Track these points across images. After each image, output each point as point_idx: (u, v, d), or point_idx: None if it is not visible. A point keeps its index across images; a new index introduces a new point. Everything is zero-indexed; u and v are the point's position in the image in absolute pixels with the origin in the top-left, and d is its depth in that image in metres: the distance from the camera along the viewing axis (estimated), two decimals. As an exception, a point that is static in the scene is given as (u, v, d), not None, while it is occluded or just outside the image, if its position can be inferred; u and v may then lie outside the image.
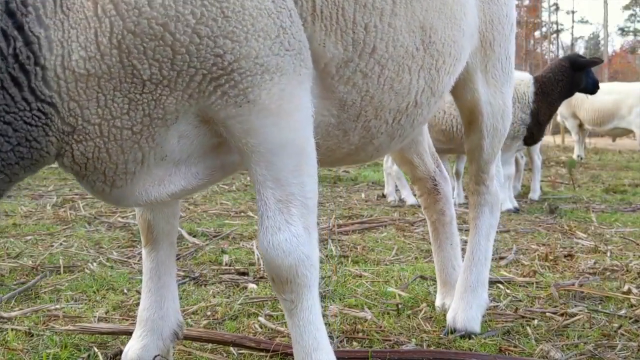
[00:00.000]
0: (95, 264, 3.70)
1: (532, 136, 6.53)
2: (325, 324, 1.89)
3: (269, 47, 1.58)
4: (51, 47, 1.44)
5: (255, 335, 2.53)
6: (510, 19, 2.60)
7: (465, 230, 4.55)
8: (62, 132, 1.52)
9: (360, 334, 2.59)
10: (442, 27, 2.13)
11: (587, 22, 78.17)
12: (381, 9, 1.90)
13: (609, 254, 4.13)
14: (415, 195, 6.50)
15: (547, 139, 8.30)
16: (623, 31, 55.27)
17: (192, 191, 1.85)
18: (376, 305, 2.98)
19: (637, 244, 4.49)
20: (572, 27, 72.01)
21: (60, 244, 4.20)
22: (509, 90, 2.67)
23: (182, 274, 3.49)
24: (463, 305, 2.63)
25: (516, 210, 6.23)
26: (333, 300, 3.03)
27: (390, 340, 2.52)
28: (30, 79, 1.44)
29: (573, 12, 66.85)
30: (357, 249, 4.25)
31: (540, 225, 5.37)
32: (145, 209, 2.12)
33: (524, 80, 6.43)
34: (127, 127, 1.55)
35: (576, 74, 6.43)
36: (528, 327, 2.68)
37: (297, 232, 1.68)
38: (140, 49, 1.47)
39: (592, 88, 6.71)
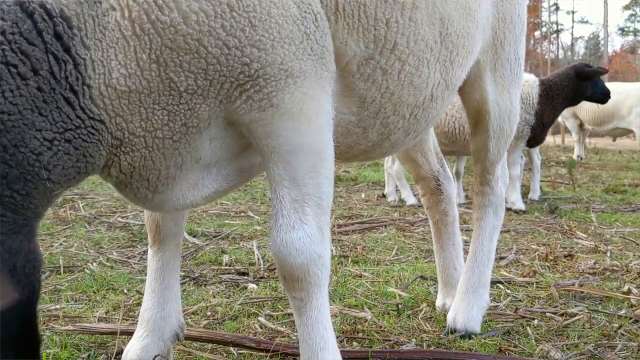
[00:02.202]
0: (95, 264, 3.70)
1: (534, 137, 6.55)
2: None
3: (293, 52, 1.61)
4: (94, 67, 1.50)
5: (255, 335, 2.53)
6: (522, 19, 2.60)
7: (466, 231, 4.55)
8: (111, 145, 1.59)
9: (360, 334, 2.59)
10: (458, 17, 2.12)
11: (587, 22, 77.98)
12: (402, 3, 1.89)
13: (609, 254, 4.13)
14: (415, 195, 6.53)
15: (547, 139, 8.27)
16: (623, 31, 55.28)
17: (223, 193, 1.90)
18: (376, 305, 2.98)
19: (637, 244, 4.49)
20: (572, 27, 72.04)
21: (60, 244, 4.20)
22: (516, 92, 2.65)
23: (182, 274, 3.49)
24: (464, 306, 2.63)
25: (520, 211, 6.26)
26: (333, 300, 3.03)
27: (390, 340, 2.52)
28: (79, 99, 1.50)
29: (573, 12, 66.83)
30: (357, 249, 4.25)
31: (540, 225, 5.36)
32: None
33: (528, 81, 6.45)
34: (168, 137, 1.61)
35: (580, 83, 6.49)
36: (528, 327, 2.69)
37: (310, 232, 1.70)
38: (177, 62, 1.52)
39: (601, 97, 6.73)
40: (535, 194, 7.16)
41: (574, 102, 6.78)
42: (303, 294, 1.75)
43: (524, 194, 7.12)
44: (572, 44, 57.59)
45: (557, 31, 55.07)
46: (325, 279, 1.76)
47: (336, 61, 1.79)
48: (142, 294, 3.06)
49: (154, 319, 2.17)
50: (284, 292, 3.13)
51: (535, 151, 7.32)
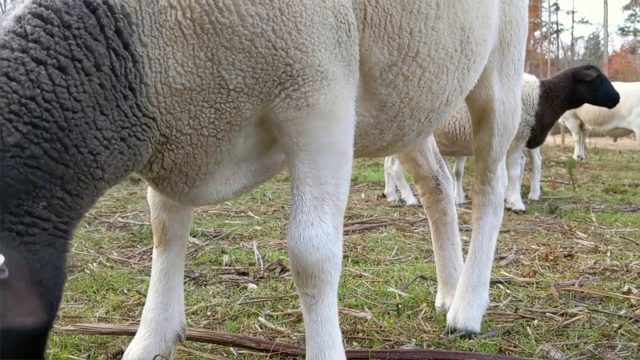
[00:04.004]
0: (95, 264, 3.70)
1: (535, 138, 6.56)
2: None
3: (328, 57, 1.70)
4: (151, 65, 1.52)
5: (255, 335, 2.53)
6: (524, 21, 2.67)
7: (466, 231, 4.55)
8: (159, 142, 1.62)
9: (360, 334, 2.59)
10: (478, 26, 2.20)
11: (587, 22, 77.85)
12: (426, 14, 1.96)
13: (609, 254, 4.13)
14: (415, 195, 6.53)
15: (547, 139, 8.26)
16: (623, 31, 55.26)
17: (250, 188, 1.97)
18: (376, 305, 2.98)
19: (637, 244, 4.49)
20: (572, 27, 72.07)
21: (60, 244, 4.20)
22: (519, 91, 2.73)
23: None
24: (464, 305, 2.64)
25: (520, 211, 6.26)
26: (333, 300, 3.03)
27: (390, 340, 2.52)
28: (136, 97, 1.52)
29: (573, 12, 66.89)
30: (357, 249, 4.25)
31: (540, 225, 5.36)
32: (162, 210, 2.16)
33: (529, 82, 6.45)
34: (212, 134, 1.67)
35: (577, 85, 6.48)
36: (528, 327, 2.68)
37: (327, 230, 1.74)
38: (230, 60, 1.58)
39: (604, 101, 6.61)
40: (535, 194, 7.16)
41: (573, 104, 6.76)
42: (315, 290, 1.77)
43: (524, 194, 7.13)
44: (572, 44, 57.63)
45: (557, 31, 55.08)
46: (336, 279, 1.80)
47: (360, 67, 1.86)
48: (142, 294, 3.07)
49: (156, 319, 2.17)
50: (285, 293, 3.14)
51: (536, 151, 7.32)
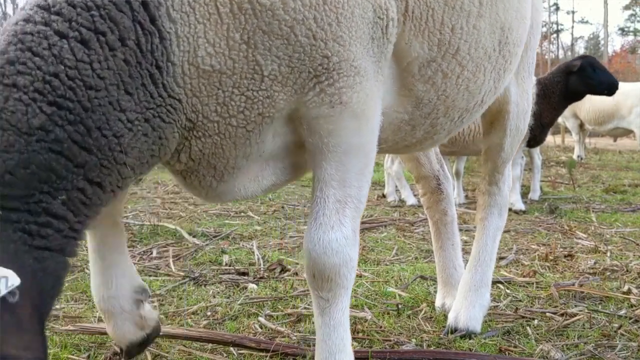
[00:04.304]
0: (95, 264, 3.70)
1: (535, 138, 6.52)
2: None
3: (361, 52, 1.65)
4: (179, 43, 1.44)
5: (255, 335, 2.53)
6: (540, 26, 2.68)
7: (466, 231, 4.55)
8: (185, 127, 1.55)
9: (360, 334, 2.59)
10: (517, 27, 2.18)
11: (587, 22, 77.80)
12: (468, 11, 1.93)
13: (609, 254, 4.13)
14: (415, 195, 6.53)
15: (547, 139, 8.25)
16: (623, 31, 55.27)
17: (280, 186, 1.92)
18: (376, 305, 2.98)
19: (637, 244, 4.49)
20: (572, 27, 72.04)
21: (60, 244, 4.20)
22: (531, 92, 2.74)
23: (182, 274, 3.49)
24: (466, 305, 2.63)
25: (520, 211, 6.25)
26: (333, 300, 3.03)
27: (390, 340, 2.52)
28: (162, 75, 1.44)
29: (573, 12, 66.83)
30: (357, 249, 4.24)
31: (540, 225, 5.36)
32: None
33: None
34: (242, 125, 1.60)
35: (569, 77, 6.35)
36: (528, 327, 2.68)
37: (347, 234, 1.72)
38: (267, 45, 1.51)
39: (602, 89, 6.41)
40: (535, 194, 7.16)
41: (571, 98, 6.56)
42: (330, 294, 1.75)
43: (524, 194, 7.13)
44: (572, 44, 57.61)
45: (557, 31, 55.08)
46: (351, 282, 1.78)
47: (397, 61, 1.83)
48: (142, 294, 3.07)
49: (103, 299, 2.05)
50: (285, 293, 3.14)
51: (536, 151, 7.31)
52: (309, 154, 1.75)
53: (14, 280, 1.22)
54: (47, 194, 1.32)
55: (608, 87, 6.41)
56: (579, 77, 6.33)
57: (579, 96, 6.61)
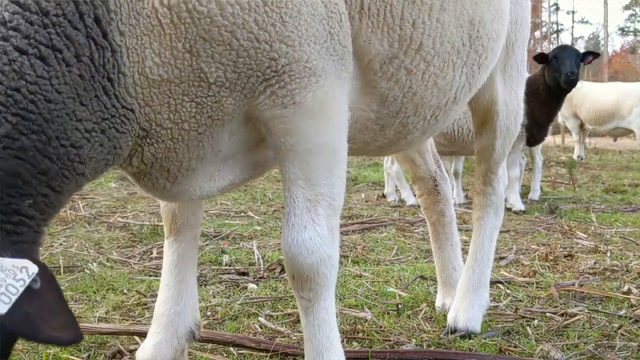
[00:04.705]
0: (95, 264, 3.70)
1: (533, 136, 6.50)
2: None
3: (318, 51, 1.61)
4: (129, 54, 1.47)
5: (255, 335, 2.53)
6: (528, 22, 2.62)
7: (465, 231, 4.55)
8: (138, 136, 1.57)
9: (360, 334, 2.59)
10: (490, 20, 2.11)
11: (587, 22, 77.79)
12: (430, 5, 1.88)
13: (609, 254, 4.13)
14: (415, 195, 6.52)
15: (547, 138, 8.23)
16: (623, 31, 55.29)
17: (239, 185, 1.90)
18: (376, 305, 2.98)
19: (637, 244, 4.49)
20: (572, 27, 72.01)
21: (60, 244, 4.20)
22: (521, 92, 2.70)
23: (182, 274, 3.49)
24: (465, 305, 2.63)
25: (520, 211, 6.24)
26: (333, 300, 3.03)
27: (390, 340, 2.52)
28: (114, 87, 1.47)
29: (573, 12, 66.78)
30: (357, 249, 4.24)
31: (540, 225, 5.36)
32: None
33: None
34: (194, 129, 1.60)
35: (547, 67, 6.26)
36: (528, 327, 2.68)
37: (321, 232, 1.70)
38: (209, 53, 1.50)
39: (558, 80, 6.13)
40: (535, 194, 7.15)
41: (557, 93, 6.30)
42: (311, 294, 1.75)
43: (524, 194, 7.13)
44: (572, 44, 57.58)
45: (557, 31, 55.12)
46: (333, 280, 1.76)
47: (358, 59, 1.79)
48: (142, 294, 3.07)
49: (167, 313, 2.09)
50: (285, 293, 3.14)
51: (538, 151, 7.30)
52: (274, 153, 1.74)
53: (33, 268, 1.28)
54: (16, 197, 1.38)
55: (564, 81, 6.11)
56: (550, 70, 6.26)
57: (559, 89, 6.28)
